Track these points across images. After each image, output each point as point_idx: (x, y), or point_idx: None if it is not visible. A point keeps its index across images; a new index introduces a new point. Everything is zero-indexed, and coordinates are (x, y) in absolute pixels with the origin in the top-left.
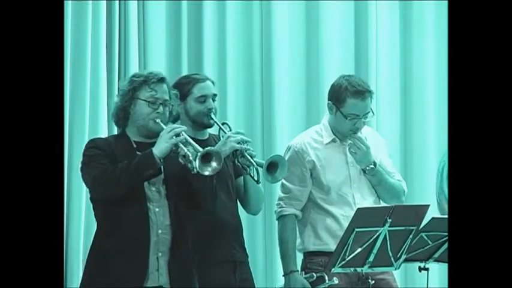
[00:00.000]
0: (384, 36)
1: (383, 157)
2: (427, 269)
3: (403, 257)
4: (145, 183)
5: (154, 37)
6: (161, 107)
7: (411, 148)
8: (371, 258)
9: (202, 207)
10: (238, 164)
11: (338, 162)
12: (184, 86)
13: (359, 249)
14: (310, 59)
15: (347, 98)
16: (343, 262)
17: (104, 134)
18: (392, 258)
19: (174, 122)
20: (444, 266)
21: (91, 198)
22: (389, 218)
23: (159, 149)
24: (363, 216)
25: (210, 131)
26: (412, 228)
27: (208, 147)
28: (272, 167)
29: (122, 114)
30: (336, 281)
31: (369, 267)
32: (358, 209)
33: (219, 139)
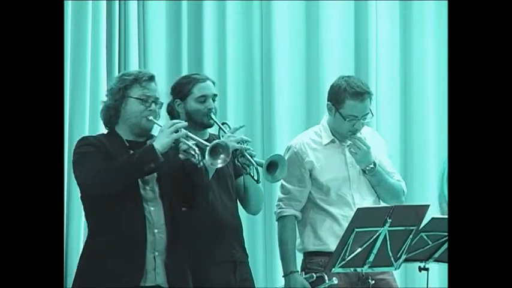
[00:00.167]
0: (383, 36)
1: (383, 157)
2: (427, 269)
3: (403, 257)
4: (140, 183)
5: (154, 37)
6: (153, 105)
7: (411, 148)
8: (371, 258)
9: (196, 204)
10: (238, 163)
11: (337, 163)
12: (184, 86)
13: (359, 249)
14: (310, 59)
15: (346, 99)
16: (343, 262)
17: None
18: (392, 258)
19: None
20: (444, 266)
21: (85, 196)
22: (389, 218)
23: (160, 143)
24: (362, 217)
25: (210, 130)
26: (412, 228)
27: (217, 140)
28: (272, 166)
29: (112, 113)
30: (335, 281)
31: (369, 267)
32: (358, 209)
33: (219, 139)
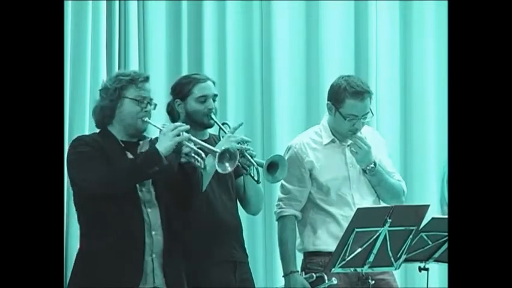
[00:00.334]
0: (383, 36)
1: (383, 157)
2: (427, 269)
3: (403, 257)
4: (137, 185)
5: (154, 37)
6: (149, 106)
7: (411, 148)
8: (371, 259)
9: (191, 206)
10: (238, 163)
11: (337, 163)
12: (184, 86)
13: (359, 249)
14: (310, 59)
15: (346, 98)
16: (343, 262)
17: None
18: (392, 258)
19: (173, 121)
20: (444, 266)
21: (80, 198)
22: (389, 218)
23: (164, 146)
24: (362, 217)
25: (210, 131)
26: (412, 228)
27: (227, 147)
28: (272, 166)
29: (108, 113)
30: (335, 281)
31: (369, 267)
32: (358, 209)
33: (219, 139)
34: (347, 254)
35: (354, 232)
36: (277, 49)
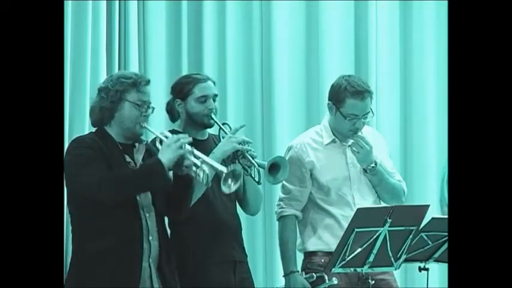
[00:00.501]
0: (383, 36)
1: (383, 157)
2: (427, 269)
3: (403, 257)
4: None
5: (154, 37)
6: (148, 110)
7: (411, 148)
8: (371, 259)
9: (182, 210)
10: (239, 164)
11: (338, 163)
12: (185, 86)
13: (359, 249)
14: (310, 59)
15: (346, 98)
16: (343, 262)
17: None
18: (392, 258)
19: (173, 121)
20: (444, 266)
21: (80, 200)
22: (389, 218)
23: (167, 158)
24: (362, 217)
25: (210, 130)
26: (412, 228)
27: (234, 168)
28: (274, 168)
29: (107, 114)
30: (335, 281)
31: (369, 267)
32: (358, 209)
33: (219, 139)
34: (347, 254)
35: (354, 232)
36: (277, 49)
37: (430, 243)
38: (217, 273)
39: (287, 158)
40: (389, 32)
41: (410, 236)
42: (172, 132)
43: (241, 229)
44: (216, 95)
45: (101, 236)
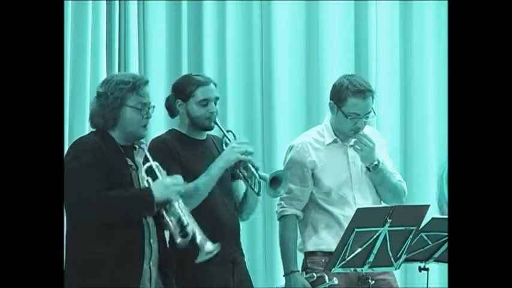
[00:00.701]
0: (383, 36)
1: (384, 157)
2: (427, 269)
3: (403, 257)
4: None
5: (154, 37)
6: (149, 111)
7: (411, 148)
8: (371, 258)
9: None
10: (240, 174)
11: (339, 163)
12: (186, 88)
13: (359, 249)
14: (310, 59)
15: (348, 97)
16: (343, 262)
17: None
18: (392, 258)
19: (172, 117)
20: (444, 266)
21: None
22: (389, 218)
23: (161, 194)
24: (362, 216)
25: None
26: (412, 228)
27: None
28: (275, 181)
29: (110, 122)
30: (336, 281)
31: (369, 267)
32: (358, 209)
33: (222, 144)
34: (347, 254)
35: (354, 232)
36: (277, 49)
37: (430, 243)
38: (216, 274)
39: (288, 158)
40: (389, 32)
41: (410, 236)
42: (172, 131)
43: (240, 230)
44: (217, 98)
45: (101, 238)
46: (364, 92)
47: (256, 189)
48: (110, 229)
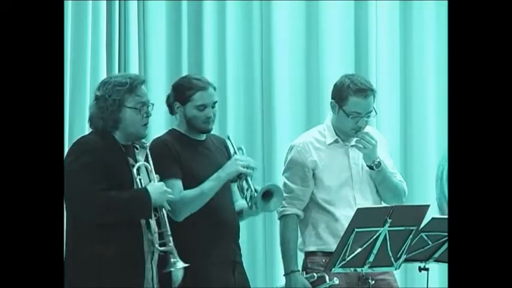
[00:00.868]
0: (383, 36)
1: (385, 157)
2: (427, 269)
3: (403, 257)
4: None
5: (154, 37)
6: (149, 110)
7: (411, 148)
8: (371, 259)
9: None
10: (238, 185)
11: (340, 163)
12: (185, 91)
13: (359, 249)
14: (310, 59)
15: (349, 96)
16: (343, 262)
17: None
18: (392, 258)
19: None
20: (444, 266)
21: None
22: (389, 218)
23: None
24: (363, 217)
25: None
26: (412, 228)
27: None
28: (267, 195)
29: (110, 124)
30: (336, 281)
31: (369, 267)
32: (358, 209)
33: (226, 149)
34: (347, 254)
35: (354, 232)
36: (277, 49)
37: (430, 243)
38: (217, 274)
39: (289, 157)
40: (389, 32)
41: (410, 236)
42: (172, 131)
43: (239, 229)
44: (215, 102)
45: (102, 240)
46: (365, 90)
47: (249, 203)
48: (110, 230)
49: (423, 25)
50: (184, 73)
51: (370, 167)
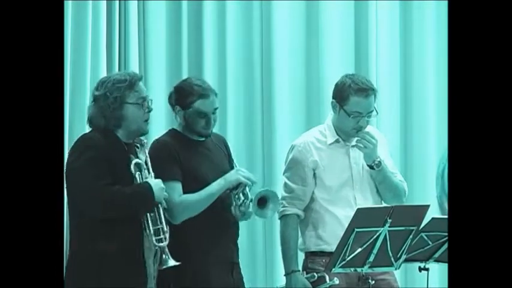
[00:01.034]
0: (384, 36)
1: (385, 157)
2: (427, 269)
3: (403, 257)
4: None
5: (154, 37)
6: (149, 104)
7: (411, 147)
8: (371, 259)
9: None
10: (234, 194)
11: (341, 163)
12: (187, 97)
13: (359, 249)
14: (310, 59)
15: (350, 95)
16: (344, 262)
17: None
18: (392, 258)
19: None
20: (444, 266)
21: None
22: (389, 218)
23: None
24: (363, 217)
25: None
26: (412, 228)
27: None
28: (262, 201)
29: (112, 122)
30: (337, 281)
31: (369, 267)
32: (358, 209)
33: (225, 146)
34: (347, 254)
35: (354, 232)
36: (277, 49)
37: (430, 243)
38: (216, 274)
39: (290, 157)
40: (389, 32)
41: (411, 236)
42: (172, 131)
43: (238, 229)
44: (216, 109)
45: (105, 237)
46: (366, 90)
47: (244, 210)
48: (113, 225)
49: (423, 25)
50: (184, 73)
51: (371, 167)
